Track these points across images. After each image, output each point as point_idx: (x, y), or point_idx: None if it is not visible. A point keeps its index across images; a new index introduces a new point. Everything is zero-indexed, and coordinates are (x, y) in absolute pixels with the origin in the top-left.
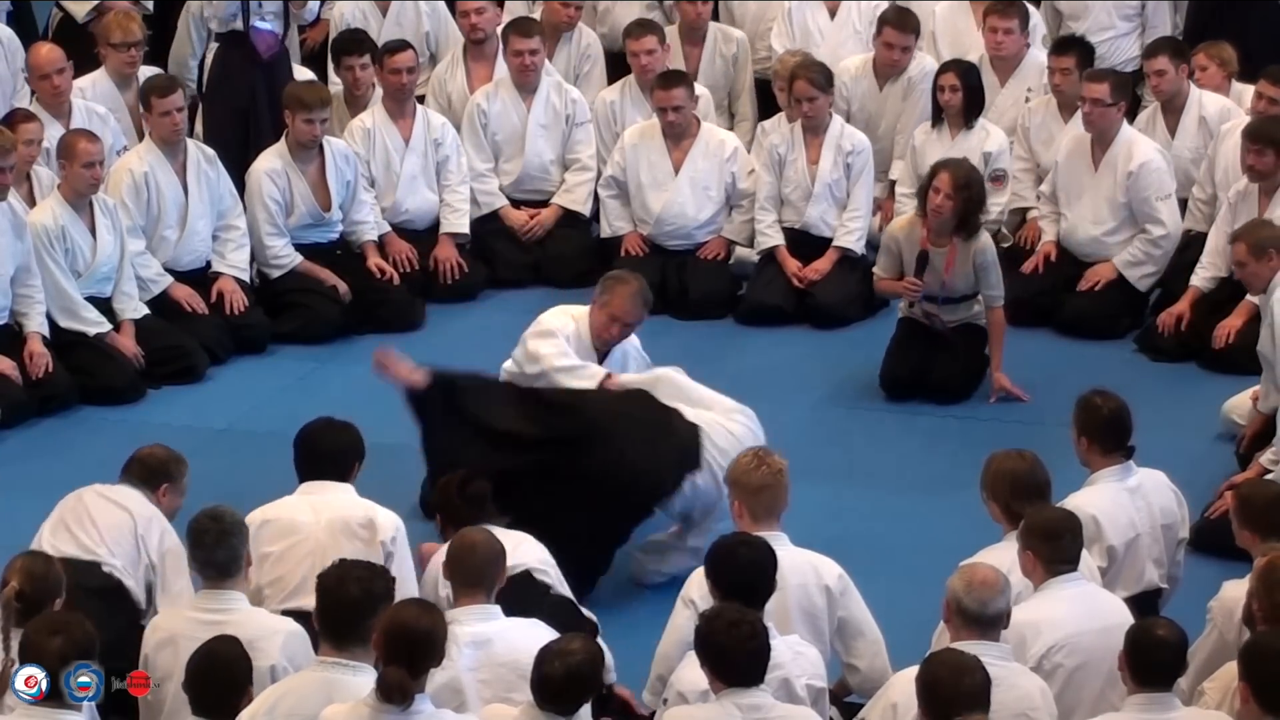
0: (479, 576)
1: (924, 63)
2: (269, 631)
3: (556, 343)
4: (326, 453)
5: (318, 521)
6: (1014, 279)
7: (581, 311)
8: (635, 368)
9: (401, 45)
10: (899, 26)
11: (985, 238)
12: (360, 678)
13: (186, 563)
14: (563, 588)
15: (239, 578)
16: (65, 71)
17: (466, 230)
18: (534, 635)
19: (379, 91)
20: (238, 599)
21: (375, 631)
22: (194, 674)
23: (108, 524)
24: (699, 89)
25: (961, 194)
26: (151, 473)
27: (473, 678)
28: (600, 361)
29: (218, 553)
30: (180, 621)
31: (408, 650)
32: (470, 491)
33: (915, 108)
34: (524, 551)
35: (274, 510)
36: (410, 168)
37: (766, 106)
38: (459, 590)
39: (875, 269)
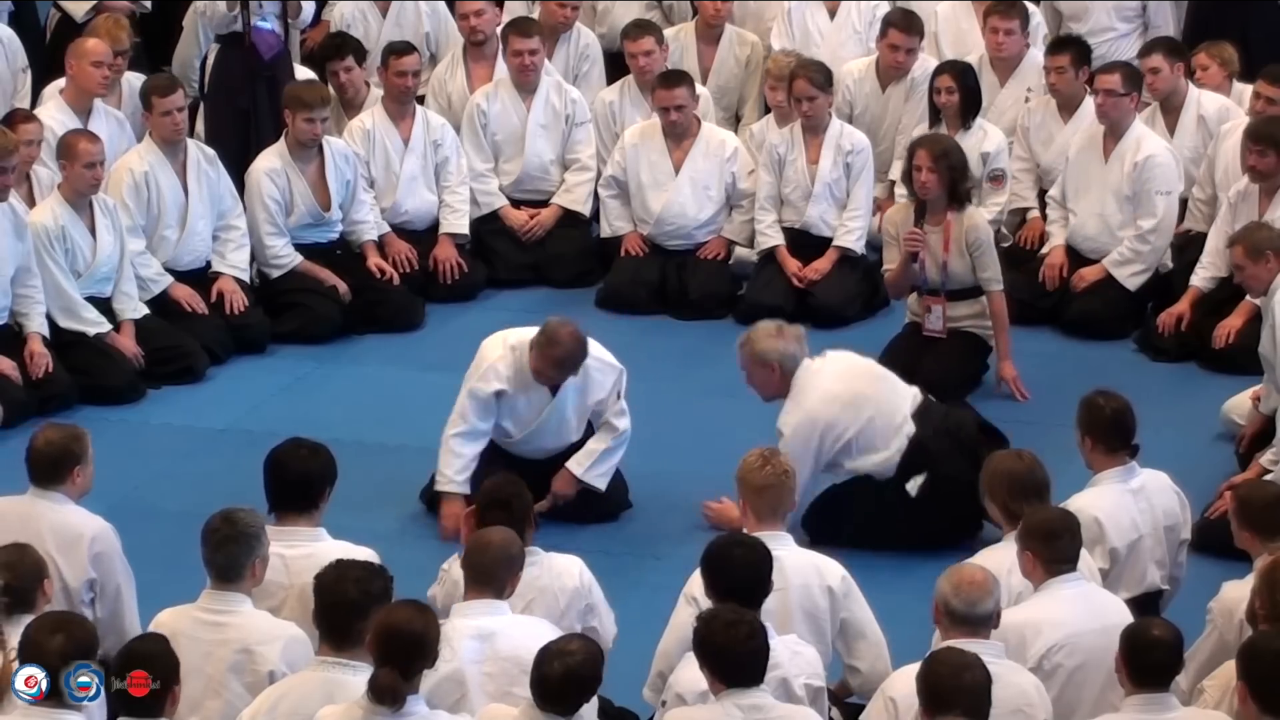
0: (489, 576)
1: (926, 64)
2: (270, 636)
3: (470, 405)
4: (295, 480)
5: (291, 585)
6: (1016, 280)
7: (521, 341)
8: (597, 387)
9: (407, 48)
10: (904, 29)
11: (978, 216)
12: (359, 678)
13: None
14: None
15: (241, 583)
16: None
17: (466, 230)
18: (538, 631)
19: (378, 92)
20: (240, 601)
21: (368, 633)
22: None
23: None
24: (699, 89)
25: (941, 163)
26: (55, 464)
27: (476, 670)
28: (553, 394)
29: (217, 555)
30: (183, 620)
31: (400, 652)
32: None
33: (918, 109)
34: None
35: None
36: (410, 168)
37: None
38: (469, 584)
39: (884, 268)
